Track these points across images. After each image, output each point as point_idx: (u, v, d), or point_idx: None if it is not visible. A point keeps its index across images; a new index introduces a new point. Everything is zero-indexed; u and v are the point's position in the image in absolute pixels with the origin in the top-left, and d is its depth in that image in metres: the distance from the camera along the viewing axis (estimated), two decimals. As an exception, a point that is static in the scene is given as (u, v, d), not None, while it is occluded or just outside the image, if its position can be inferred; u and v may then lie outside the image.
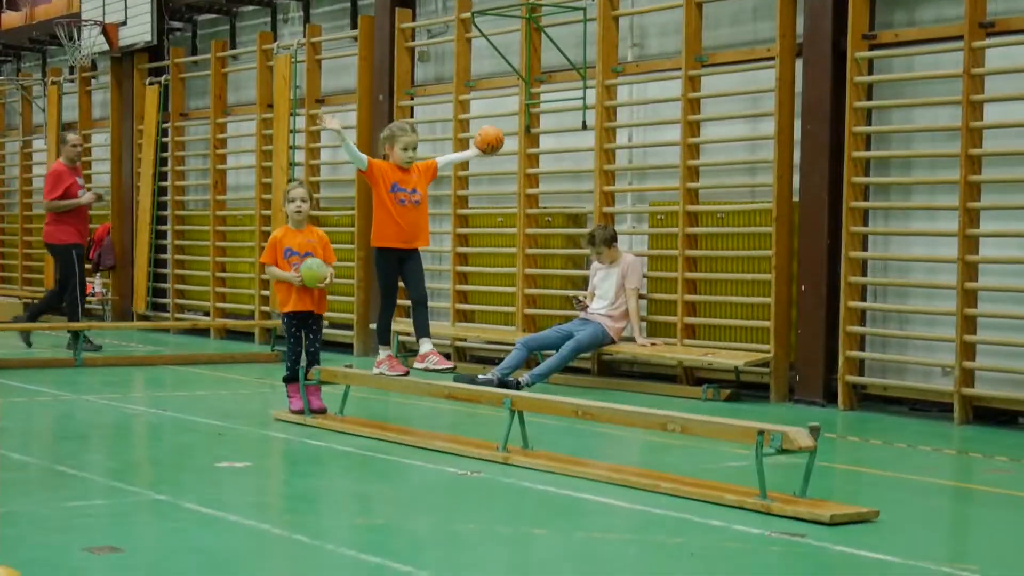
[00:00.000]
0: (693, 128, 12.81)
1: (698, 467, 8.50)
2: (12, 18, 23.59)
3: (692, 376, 12.78)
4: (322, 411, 10.42)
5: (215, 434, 9.95)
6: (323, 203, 16.72)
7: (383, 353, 10.46)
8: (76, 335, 15.02)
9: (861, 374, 11.65)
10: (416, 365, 10.27)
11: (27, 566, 5.38)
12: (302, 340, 10.51)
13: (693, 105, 12.78)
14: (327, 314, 11.19)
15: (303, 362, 10.50)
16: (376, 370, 10.39)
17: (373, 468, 8.71)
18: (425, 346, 10.22)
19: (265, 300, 17.34)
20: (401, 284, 10.69)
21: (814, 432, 7.18)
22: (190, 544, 6.35)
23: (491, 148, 10.59)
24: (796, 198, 12.03)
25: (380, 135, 10.65)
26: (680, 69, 12.80)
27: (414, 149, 10.21)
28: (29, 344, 16.13)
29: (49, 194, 15.87)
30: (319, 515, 7.34)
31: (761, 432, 7.22)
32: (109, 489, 7.84)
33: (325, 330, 11.56)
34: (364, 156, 10.27)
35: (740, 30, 12.78)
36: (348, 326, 16.26)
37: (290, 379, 10.55)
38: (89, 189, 16.45)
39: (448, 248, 15.24)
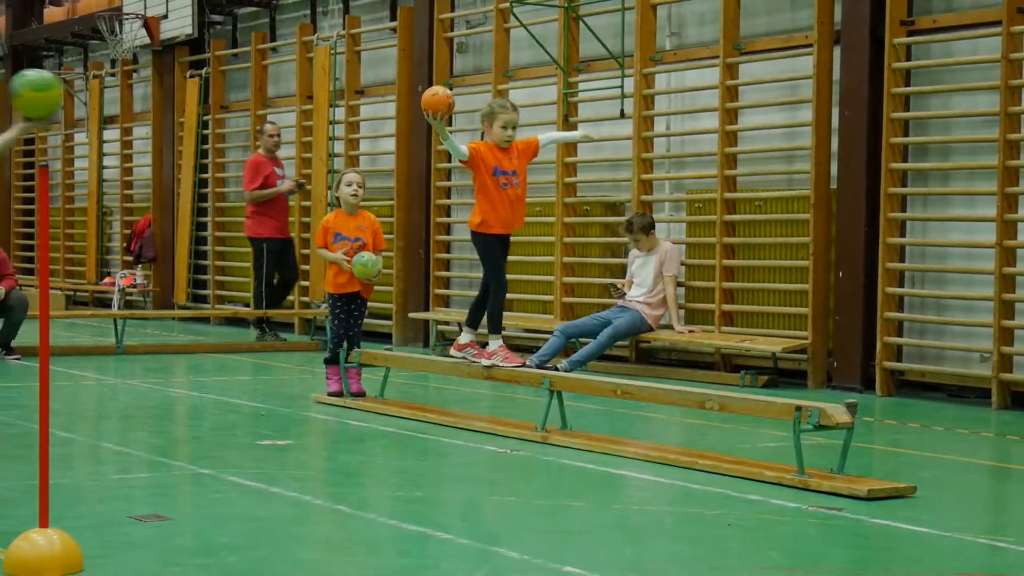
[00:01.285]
0: (731, 116, 12.85)
1: (736, 447, 8.55)
2: (55, 13, 23.80)
3: (730, 363, 12.82)
4: (361, 394, 10.50)
5: (257, 415, 10.05)
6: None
7: (495, 343, 9.68)
8: (258, 323, 15.94)
9: (899, 360, 11.67)
10: (452, 352, 9.97)
11: (76, 531, 5.47)
12: (346, 322, 10.58)
13: (731, 93, 12.82)
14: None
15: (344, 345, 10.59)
16: (486, 362, 9.65)
17: (413, 447, 8.79)
18: (465, 336, 9.87)
19: (304, 291, 17.45)
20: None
21: (851, 409, 7.22)
22: (234, 512, 6.45)
23: (441, 112, 9.31)
24: (834, 185, 12.05)
25: (479, 113, 9.96)
26: (718, 57, 12.84)
27: (514, 128, 9.51)
28: (277, 336, 16.07)
29: (248, 185, 15.71)
30: (360, 488, 7.43)
31: (799, 408, 7.27)
32: (152, 463, 7.95)
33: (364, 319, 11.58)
34: (464, 148, 9.47)
35: (778, 18, 12.81)
36: (387, 316, 16.34)
37: (331, 361, 10.64)
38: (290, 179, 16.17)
39: (486, 237, 15.28)
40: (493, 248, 9.62)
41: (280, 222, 15.76)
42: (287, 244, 15.95)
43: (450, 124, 10.26)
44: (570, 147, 14.36)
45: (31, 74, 6.17)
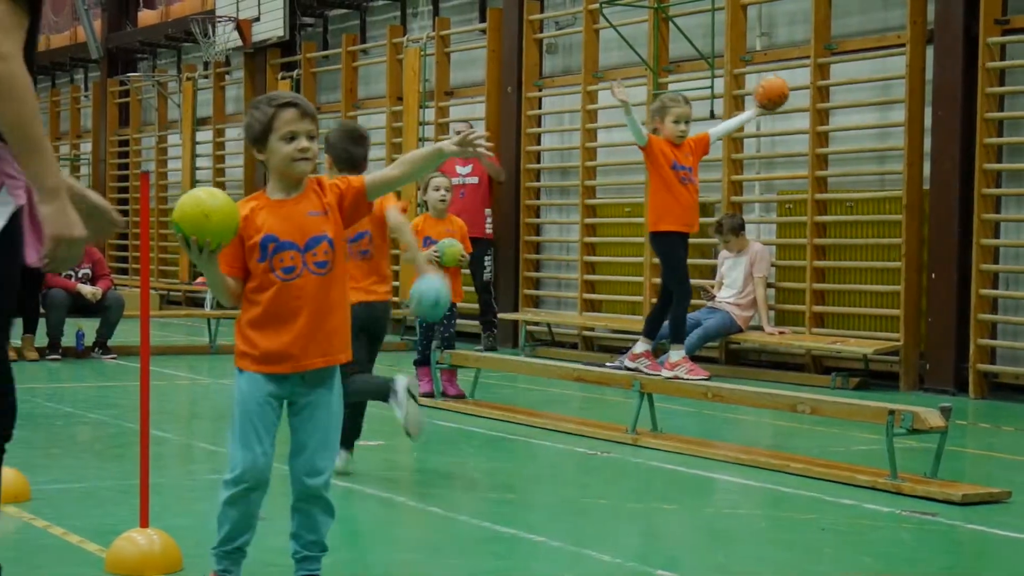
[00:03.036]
0: (822, 116, 12.78)
1: (827, 450, 8.51)
2: (149, 16, 24.12)
3: (820, 365, 12.74)
4: (460, 396, 10.49)
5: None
6: (452, 194, 16.85)
7: (677, 354, 9.12)
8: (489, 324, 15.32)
9: (992, 362, 11.55)
10: (626, 362, 9.23)
11: (174, 532, 5.55)
12: (433, 326, 10.62)
13: (822, 93, 12.75)
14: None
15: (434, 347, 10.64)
16: (668, 373, 9.05)
17: (503, 448, 8.83)
18: (641, 346, 9.16)
19: (396, 291, 17.53)
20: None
21: (945, 412, 7.16)
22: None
23: (774, 103, 9.11)
24: (926, 186, 11.94)
25: (650, 107, 9.38)
26: (809, 57, 12.78)
27: (687, 122, 8.90)
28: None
29: None
30: (451, 489, 7.47)
31: (892, 412, 7.23)
32: (247, 464, 8.02)
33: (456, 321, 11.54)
34: (645, 131, 8.92)
35: (870, 17, 12.72)
36: (477, 316, 16.38)
37: (420, 363, 10.69)
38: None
39: (576, 238, 15.33)
40: (676, 248, 9.01)
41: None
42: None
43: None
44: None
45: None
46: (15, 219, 3.64)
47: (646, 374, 9.05)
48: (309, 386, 4.83)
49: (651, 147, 8.88)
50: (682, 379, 8.95)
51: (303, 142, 4.72)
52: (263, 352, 4.78)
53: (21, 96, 3.47)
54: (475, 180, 15.30)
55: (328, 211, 4.78)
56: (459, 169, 15.19)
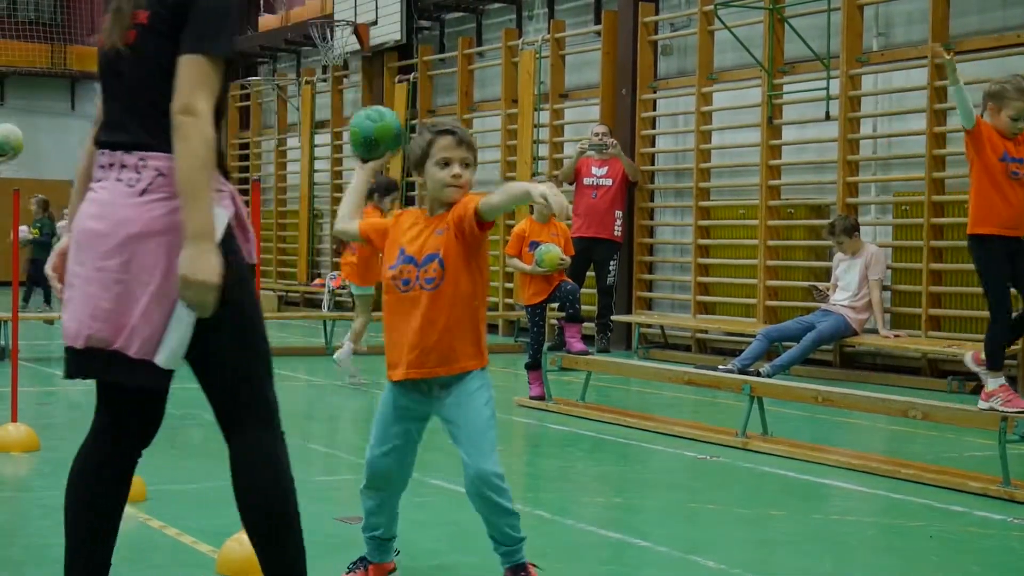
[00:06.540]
0: (939, 117, 12.63)
1: (940, 456, 8.43)
2: (269, 20, 24.43)
3: (937, 368, 12.59)
4: (584, 353, 10.45)
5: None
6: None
7: (994, 382, 8.50)
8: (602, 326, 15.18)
9: (1114, 367, 11.35)
10: (980, 404, 8.61)
11: (283, 532, 5.63)
12: (544, 329, 10.67)
13: (940, 94, 12.60)
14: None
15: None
16: (984, 404, 8.56)
17: (613, 451, 8.85)
18: (994, 382, 8.38)
19: (509, 292, 17.63)
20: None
21: (1061, 419, 7.05)
22: (437, 517, 6.58)
23: None
24: (1047, 187, 11.75)
25: (985, 90, 8.53)
26: (926, 57, 12.64)
27: None
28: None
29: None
30: (560, 493, 7.51)
31: (1004, 418, 7.14)
32: (356, 465, 8.07)
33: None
34: (975, 113, 8.11)
35: (989, 16, 12.55)
36: (589, 318, 16.40)
37: (532, 366, 10.74)
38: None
39: (689, 240, 15.30)
40: (994, 256, 8.23)
41: (580, 220, 14.91)
42: (586, 244, 14.68)
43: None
44: (774, 150, 14.25)
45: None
46: (229, 227, 4.02)
47: (1005, 411, 8.14)
48: (433, 395, 4.97)
49: (978, 131, 8.03)
50: (998, 410, 8.23)
51: (456, 168, 4.89)
52: (389, 358, 4.99)
53: (195, 151, 3.83)
54: (609, 182, 15.21)
55: (448, 228, 4.88)
56: (594, 170, 15.17)
